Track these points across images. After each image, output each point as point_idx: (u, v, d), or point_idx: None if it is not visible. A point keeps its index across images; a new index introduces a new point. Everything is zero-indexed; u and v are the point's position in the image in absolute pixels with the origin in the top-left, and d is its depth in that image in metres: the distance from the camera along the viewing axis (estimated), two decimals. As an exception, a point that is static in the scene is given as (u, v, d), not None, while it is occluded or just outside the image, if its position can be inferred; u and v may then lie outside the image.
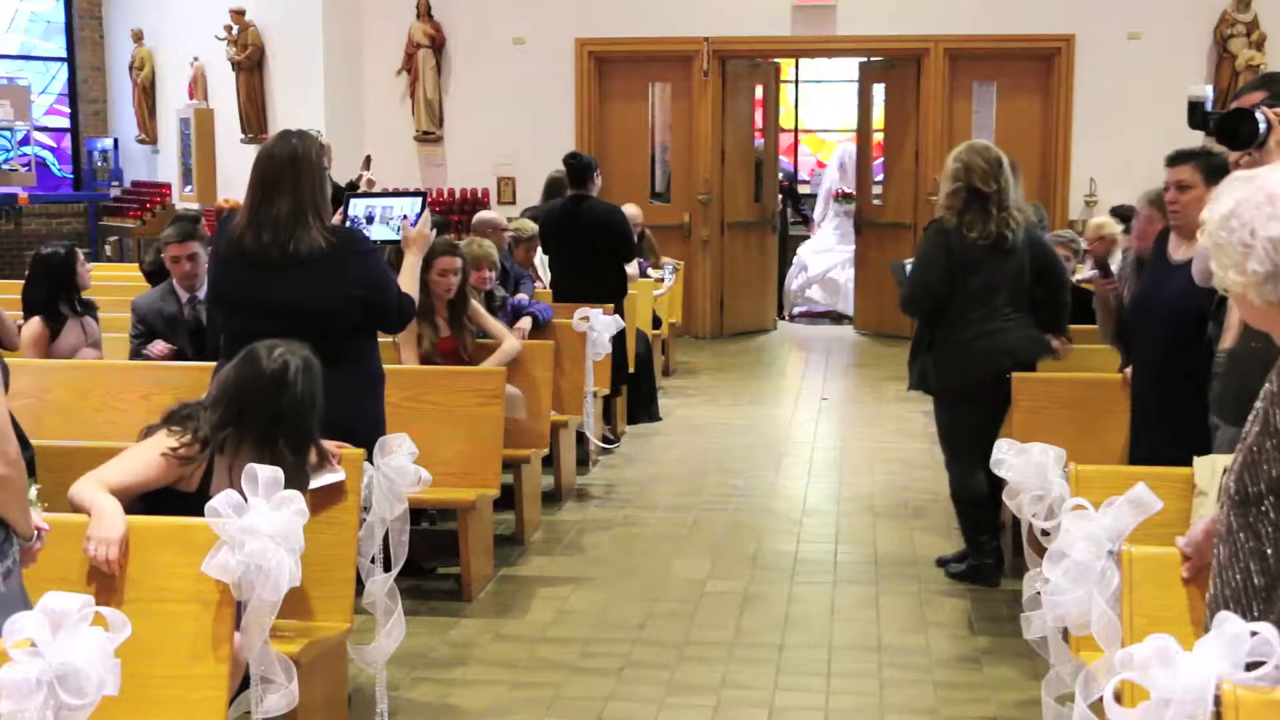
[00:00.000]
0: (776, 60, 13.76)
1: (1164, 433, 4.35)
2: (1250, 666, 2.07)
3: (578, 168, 8.05)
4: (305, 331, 4.22)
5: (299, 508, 3.25)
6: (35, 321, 6.10)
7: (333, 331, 4.28)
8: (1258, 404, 2.28)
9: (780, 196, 14.45)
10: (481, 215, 8.26)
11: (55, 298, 6.14)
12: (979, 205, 5.36)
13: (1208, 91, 3.73)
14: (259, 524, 3.14)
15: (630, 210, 8.89)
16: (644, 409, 8.82)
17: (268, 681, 3.28)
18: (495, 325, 6.36)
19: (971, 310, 5.38)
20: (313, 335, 4.24)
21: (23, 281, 6.44)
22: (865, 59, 13.37)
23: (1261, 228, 2.20)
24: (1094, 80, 11.99)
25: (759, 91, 13.64)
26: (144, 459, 3.53)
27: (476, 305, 6.28)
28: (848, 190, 14.15)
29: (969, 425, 5.44)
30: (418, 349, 6.02)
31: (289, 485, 3.32)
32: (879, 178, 13.49)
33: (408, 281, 4.56)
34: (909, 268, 5.76)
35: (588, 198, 7.99)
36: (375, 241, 4.66)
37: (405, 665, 4.60)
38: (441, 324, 6.09)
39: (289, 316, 4.19)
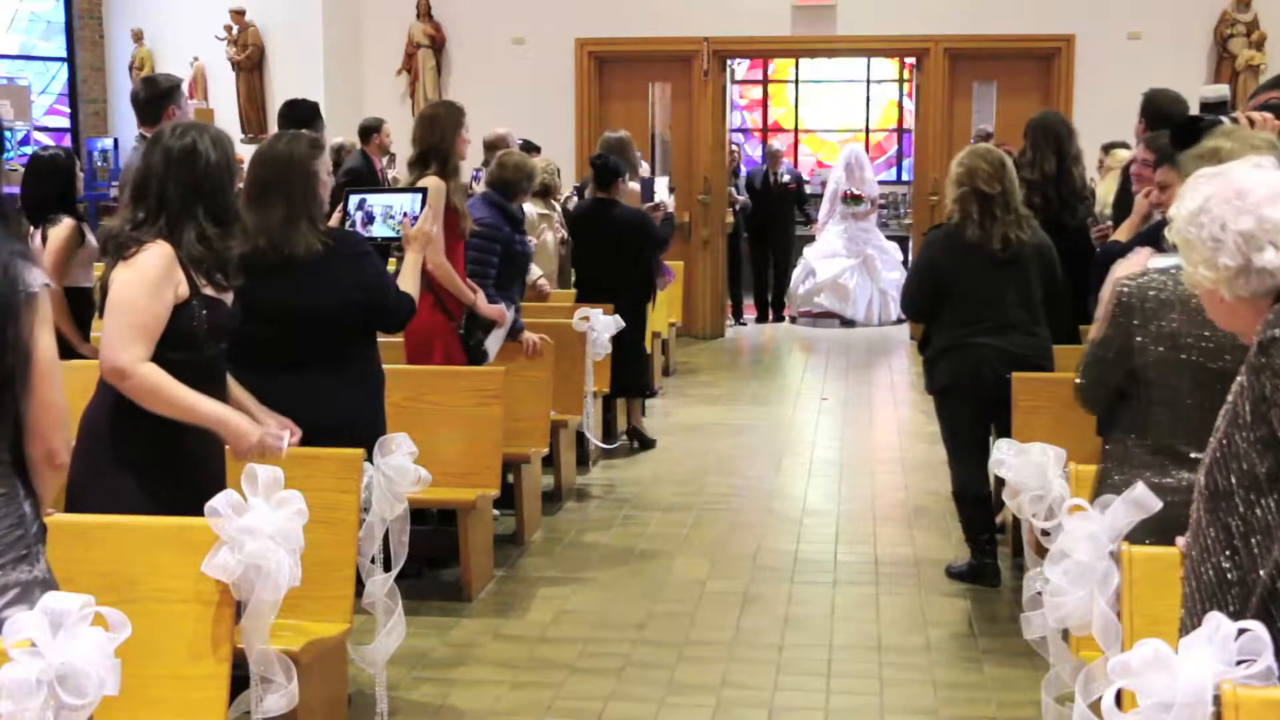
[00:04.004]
0: (734, 62, 13.70)
1: None
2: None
3: (604, 169, 7.90)
4: (304, 334, 4.24)
5: (299, 508, 3.25)
6: (68, 223, 5.82)
7: (331, 333, 4.28)
8: (1229, 398, 2.27)
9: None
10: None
11: (66, 201, 5.86)
12: (986, 209, 5.36)
13: (1224, 91, 3.69)
14: (259, 524, 3.13)
15: (617, 134, 8.83)
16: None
17: (268, 681, 3.28)
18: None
19: (968, 313, 5.37)
20: (311, 337, 4.25)
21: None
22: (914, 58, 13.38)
23: (1232, 221, 2.20)
24: (1094, 80, 11.97)
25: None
26: (148, 305, 3.35)
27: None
28: (856, 192, 14.07)
29: (968, 426, 5.45)
30: None
31: (214, 265, 3.40)
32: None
33: (408, 280, 4.55)
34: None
35: (616, 202, 7.90)
36: (372, 240, 4.65)
37: (405, 665, 4.60)
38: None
39: (287, 320, 4.19)
